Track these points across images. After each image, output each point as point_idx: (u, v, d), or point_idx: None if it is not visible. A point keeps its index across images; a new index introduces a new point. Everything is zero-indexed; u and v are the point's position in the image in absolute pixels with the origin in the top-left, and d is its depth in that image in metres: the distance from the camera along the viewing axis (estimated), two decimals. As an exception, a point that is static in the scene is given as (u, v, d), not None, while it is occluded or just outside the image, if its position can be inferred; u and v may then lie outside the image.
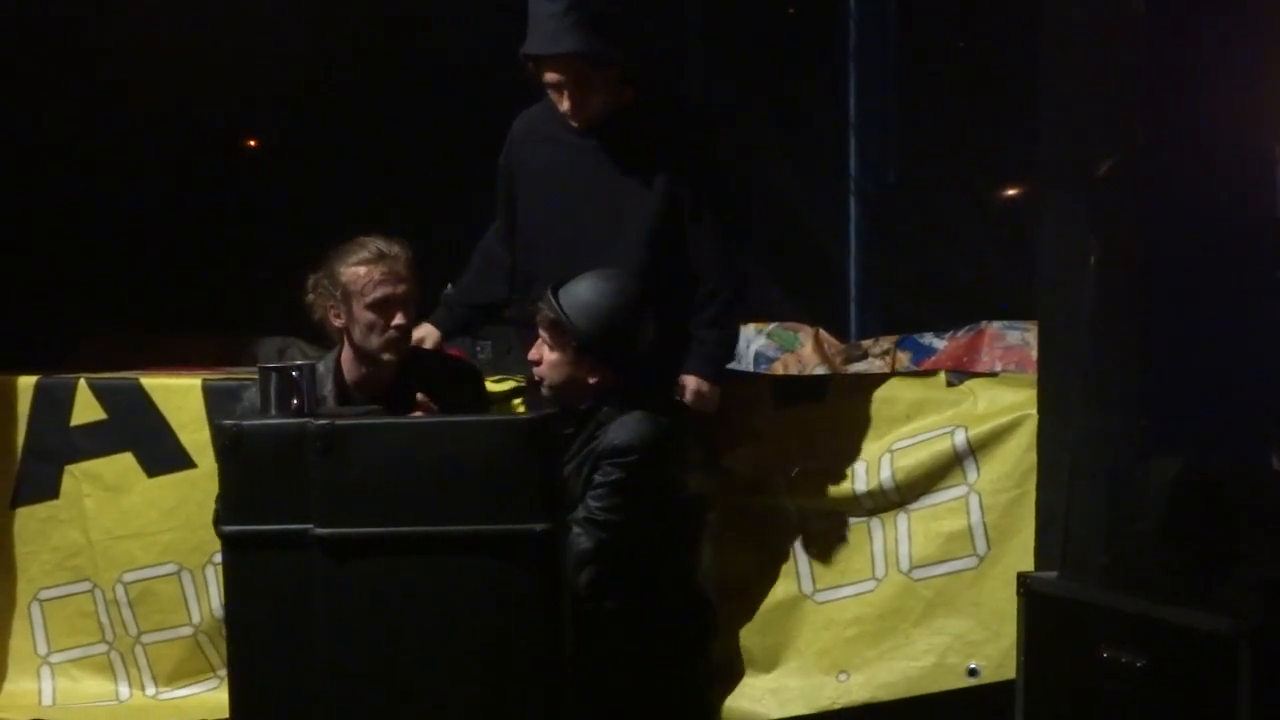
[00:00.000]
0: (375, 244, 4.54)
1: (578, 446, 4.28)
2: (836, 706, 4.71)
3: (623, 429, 4.26)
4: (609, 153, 4.67)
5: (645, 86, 4.77)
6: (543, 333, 4.38)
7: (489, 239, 4.96)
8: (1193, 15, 4.00)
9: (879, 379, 5.28)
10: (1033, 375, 4.60)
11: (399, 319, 4.51)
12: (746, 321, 6.87)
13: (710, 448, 4.70)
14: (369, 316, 4.52)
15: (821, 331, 6.82)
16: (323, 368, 4.61)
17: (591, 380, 4.33)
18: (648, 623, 4.28)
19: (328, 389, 4.57)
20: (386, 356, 4.55)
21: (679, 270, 4.64)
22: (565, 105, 4.61)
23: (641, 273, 4.52)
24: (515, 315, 4.80)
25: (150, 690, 5.16)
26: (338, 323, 4.58)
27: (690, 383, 4.58)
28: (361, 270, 4.51)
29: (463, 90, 4.97)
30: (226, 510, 3.91)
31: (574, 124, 4.65)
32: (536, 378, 4.43)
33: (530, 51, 4.58)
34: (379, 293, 4.50)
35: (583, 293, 4.33)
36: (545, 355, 4.37)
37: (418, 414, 4.36)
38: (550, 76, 4.59)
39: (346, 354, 4.62)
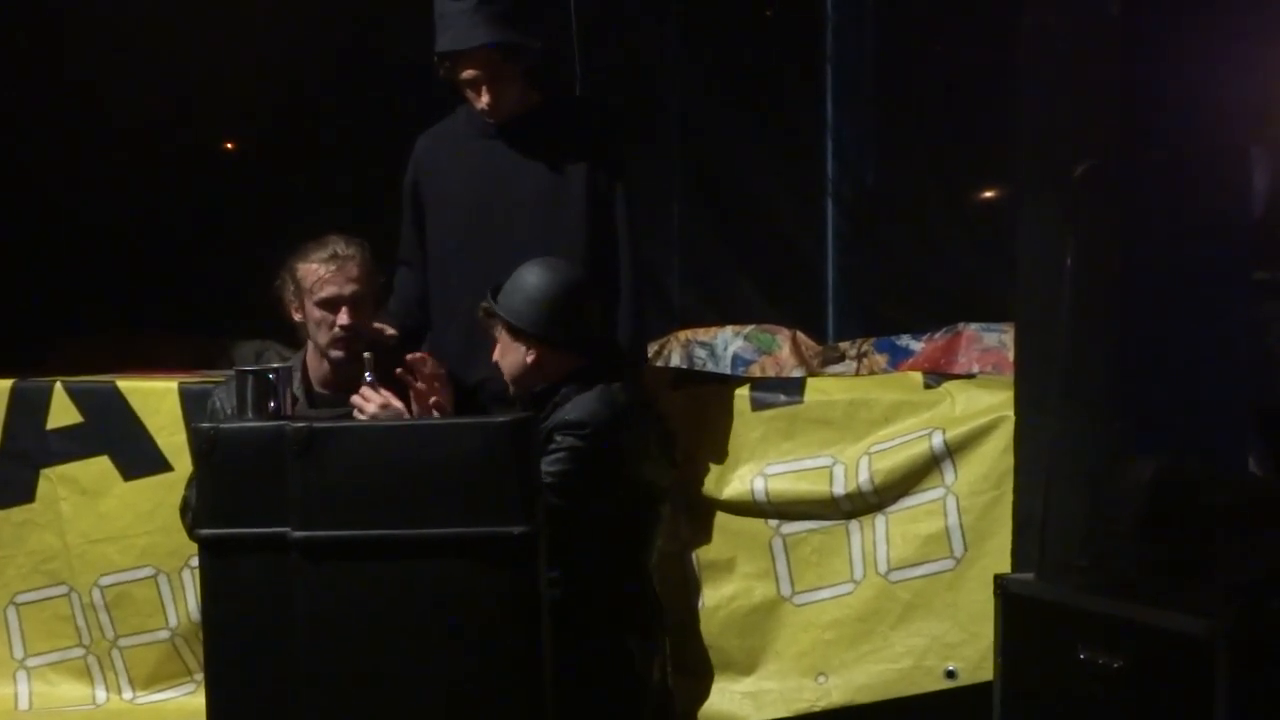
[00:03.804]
0: (334, 244, 4.63)
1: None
2: (815, 709, 4.71)
3: (577, 406, 4.29)
4: (526, 151, 4.75)
5: (550, 88, 4.86)
6: (496, 333, 4.41)
7: (401, 269, 4.98)
8: (1169, 18, 4.01)
9: (857, 381, 5.29)
10: (1010, 377, 4.61)
11: (344, 318, 4.58)
12: (723, 324, 6.90)
13: (668, 440, 4.71)
14: (318, 313, 4.62)
15: (799, 334, 6.82)
16: (291, 365, 4.65)
17: (552, 368, 4.37)
18: (592, 612, 4.27)
19: (295, 385, 4.61)
20: (334, 354, 4.63)
21: (613, 257, 4.72)
22: (483, 100, 4.67)
23: (582, 261, 4.60)
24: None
25: (127, 694, 5.14)
26: (297, 317, 4.69)
27: None
28: (315, 267, 4.61)
29: (441, 94, 4.98)
30: (204, 513, 3.90)
31: (490, 120, 4.72)
32: (508, 381, 4.45)
33: (445, 49, 4.63)
34: (327, 291, 4.58)
35: (523, 283, 4.39)
36: (504, 355, 4.40)
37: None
38: (467, 73, 4.66)
39: (310, 351, 4.68)
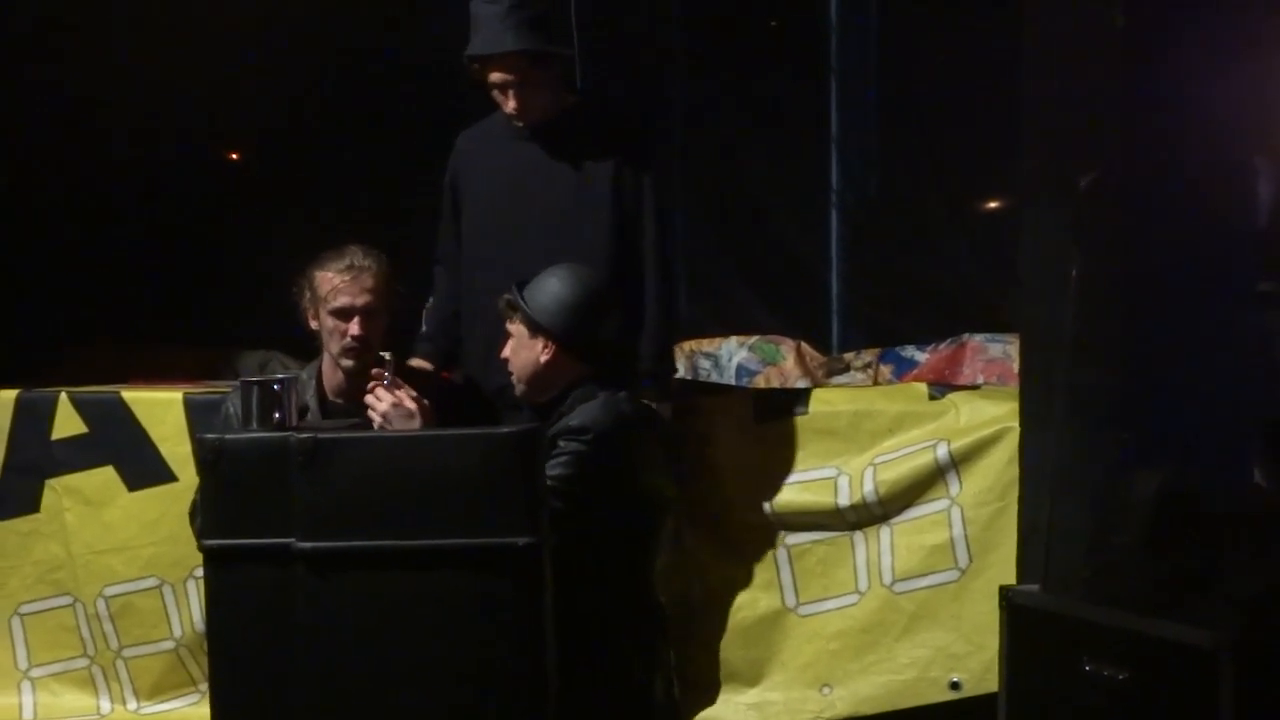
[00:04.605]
0: (352, 254, 4.63)
1: None
2: (820, 720, 4.72)
3: (581, 414, 4.29)
4: (556, 154, 4.77)
5: (584, 91, 4.91)
6: (511, 329, 4.41)
7: (438, 269, 5.01)
8: (1173, 28, 4.01)
9: (861, 392, 5.29)
10: (1014, 388, 4.61)
11: (355, 328, 4.58)
12: (728, 335, 6.90)
13: (674, 450, 4.70)
14: (331, 322, 4.62)
15: (803, 344, 6.82)
16: (306, 374, 4.71)
17: (563, 373, 4.36)
18: (596, 623, 4.26)
19: (309, 395, 4.63)
20: (344, 363, 4.63)
21: (637, 265, 4.73)
22: (511, 105, 4.68)
23: (606, 267, 4.60)
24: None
25: (131, 704, 5.15)
26: (313, 324, 4.69)
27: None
28: (330, 276, 4.61)
29: (447, 103, 4.97)
30: (208, 524, 3.90)
31: (519, 124, 4.74)
32: (515, 380, 4.45)
33: (475, 52, 4.66)
34: (339, 301, 4.59)
35: (548, 286, 4.39)
36: (516, 352, 4.41)
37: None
38: (496, 76, 4.67)
39: (326, 360, 4.69)
